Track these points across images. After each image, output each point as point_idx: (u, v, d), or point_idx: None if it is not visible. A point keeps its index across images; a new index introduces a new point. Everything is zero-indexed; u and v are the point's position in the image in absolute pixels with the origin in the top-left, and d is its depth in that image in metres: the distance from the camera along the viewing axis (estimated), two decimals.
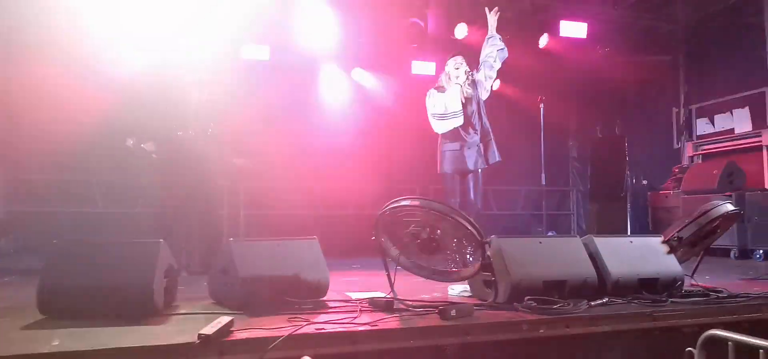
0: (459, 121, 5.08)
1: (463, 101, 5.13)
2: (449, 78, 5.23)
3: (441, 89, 5.24)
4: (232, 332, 2.52)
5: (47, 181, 7.17)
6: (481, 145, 5.16)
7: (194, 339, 2.38)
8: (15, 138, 6.73)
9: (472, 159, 5.10)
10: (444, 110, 5.13)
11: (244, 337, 2.49)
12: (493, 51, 5.19)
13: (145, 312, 2.96)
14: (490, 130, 5.25)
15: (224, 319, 2.54)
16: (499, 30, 5.70)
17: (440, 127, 5.16)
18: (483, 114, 5.26)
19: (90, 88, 6.79)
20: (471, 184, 5.25)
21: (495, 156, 5.23)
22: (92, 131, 6.61)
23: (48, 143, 6.55)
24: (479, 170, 5.18)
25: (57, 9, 6.58)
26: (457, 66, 5.21)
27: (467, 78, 5.18)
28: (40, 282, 2.99)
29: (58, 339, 2.40)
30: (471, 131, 5.13)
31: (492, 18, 5.36)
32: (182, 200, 5.16)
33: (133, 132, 5.16)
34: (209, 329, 2.41)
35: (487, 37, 5.32)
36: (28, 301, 3.04)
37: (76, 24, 6.65)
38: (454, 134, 5.12)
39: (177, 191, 5.20)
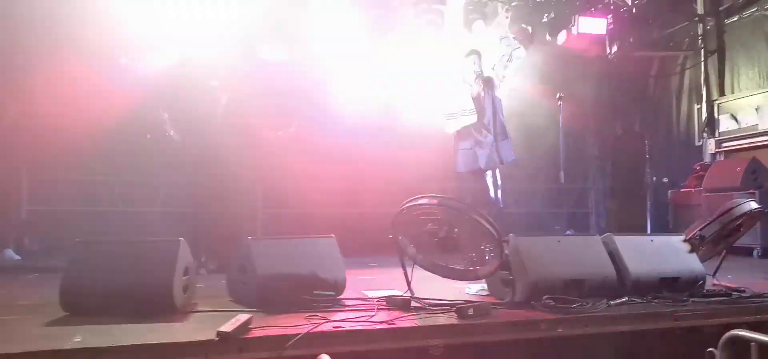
0: (469, 120, 5.08)
1: (473, 100, 5.13)
2: (463, 77, 5.25)
3: (456, 86, 5.26)
4: (250, 329, 2.54)
5: (69, 181, 7.28)
6: (495, 144, 5.14)
7: (213, 336, 2.40)
8: (38, 139, 6.84)
9: (483, 158, 5.09)
10: (453, 108, 5.16)
11: (262, 334, 2.51)
12: (508, 51, 5.18)
13: (165, 309, 3.00)
14: (505, 128, 5.22)
15: (243, 317, 2.57)
16: (517, 26, 5.67)
17: (450, 126, 5.20)
18: (500, 113, 5.24)
19: (112, 89, 6.88)
20: (490, 182, 5.24)
21: (510, 155, 5.21)
22: (113, 132, 6.70)
23: (70, 144, 6.65)
24: (496, 169, 5.16)
25: (79, 8, 6.67)
26: (473, 63, 5.22)
27: (476, 77, 5.18)
28: (63, 280, 3.04)
29: (81, 336, 2.45)
30: (483, 130, 5.12)
31: (504, 17, 5.35)
32: (209, 199, 5.21)
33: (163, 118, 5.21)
34: (228, 326, 2.44)
35: (500, 37, 5.31)
36: (51, 299, 3.10)
37: (99, 23, 6.74)
38: (466, 133, 5.14)
39: (204, 190, 5.26)
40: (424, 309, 3.12)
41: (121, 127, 6.48)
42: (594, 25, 8.26)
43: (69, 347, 2.30)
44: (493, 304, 3.19)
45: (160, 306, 3.00)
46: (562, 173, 7.23)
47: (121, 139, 6.63)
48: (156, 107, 5.11)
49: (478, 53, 5.31)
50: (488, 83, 5.24)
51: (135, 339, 2.41)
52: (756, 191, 6.73)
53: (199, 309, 3.22)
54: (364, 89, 8.32)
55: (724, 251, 4.23)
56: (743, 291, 3.64)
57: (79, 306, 2.99)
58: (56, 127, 6.66)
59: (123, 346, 2.34)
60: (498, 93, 5.25)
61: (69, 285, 3.03)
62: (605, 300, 3.24)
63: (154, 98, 6.60)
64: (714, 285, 3.88)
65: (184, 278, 3.22)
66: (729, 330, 2.57)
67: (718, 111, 8.85)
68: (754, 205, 4.15)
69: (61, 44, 6.82)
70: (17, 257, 6.43)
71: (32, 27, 6.88)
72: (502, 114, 5.26)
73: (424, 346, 2.70)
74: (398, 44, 7.93)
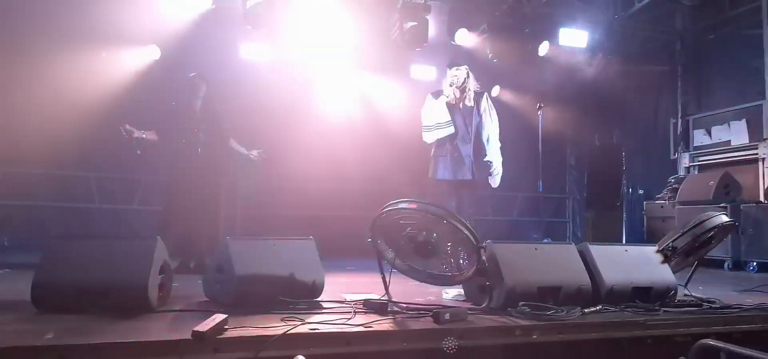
0: (444, 132, 5.15)
1: (451, 112, 5.17)
2: (449, 85, 5.29)
3: (437, 94, 5.30)
4: (226, 330, 2.52)
5: (44, 176, 7.17)
6: (472, 158, 5.20)
7: (188, 335, 2.38)
8: (12, 132, 6.72)
9: (460, 170, 5.14)
10: (429, 121, 5.22)
11: (238, 335, 2.49)
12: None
13: (140, 308, 2.96)
14: (484, 148, 5.27)
15: (219, 317, 2.55)
16: (499, 33, 5.71)
17: (426, 137, 5.27)
18: (482, 131, 5.29)
19: (89, 83, 6.79)
20: (466, 193, 5.29)
21: (483, 176, 5.27)
22: (90, 127, 6.61)
23: (45, 138, 6.55)
24: (470, 181, 5.22)
25: (58, 2, 6.59)
26: (454, 74, 5.25)
27: (460, 84, 5.21)
28: (35, 276, 2.99)
29: (53, 333, 2.40)
30: (459, 142, 5.17)
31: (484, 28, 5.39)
32: (186, 198, 5.14)
33: (133, 121, 5.13)
34: (203, 326, 2.42)
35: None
36: (22, 295, 3.04)
37: (78, 16, 6.65)
38: (442, 143, 5.19)
39: (181, 187, 5.18)
40: (401, 312, 3.14)
41: (99, 121, 6.39)
42: (575, 37, 8.40)
43: (40, 344, 2.26)
44: (470, 309, 3.21)
45: (134, 304, 2.96)
46: (540, 183, 7.32)
47: (100, 134, 6.53)
48: (119, 124, 5.03)
49: (467, 65, 5.35)
50: (476, 97, 5.29)
51: (108, 337, 2.38)
52: (728, 205, 6.89)
53: (175, 308, 3.19)
54: (346, 92, 8.34)
55: (696, 262, 4.32)
56: (714, 302, 3.71)
57: (52, 303, 2.93)
58: (32, 120, 6.56)
59: (96, 344, 2.31)
60: (485, 113, 5.31)
61: (41, 282, 2.98)
62: (579, 308, 3.28)
63: (123, 106, 6.52)
64: (685, 295, 3.96)
65: (159, 276, 3.19)
66: (699, 340, 2.62)
67: (692, 126, 9.05)
68: (725, 218, 4.24)
69: (39, 37, 6.72)
70: None
71: (8, 20, 6.77)
72: (484, 134, 5.30)
73: (400, 350, 2.71)
74: (382, 48, 7.95)
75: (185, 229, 5.05)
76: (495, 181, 5.32)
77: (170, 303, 3.30)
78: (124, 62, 7.29)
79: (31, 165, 7.02)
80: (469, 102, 5.25)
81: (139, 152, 5.13)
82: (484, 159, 5.26)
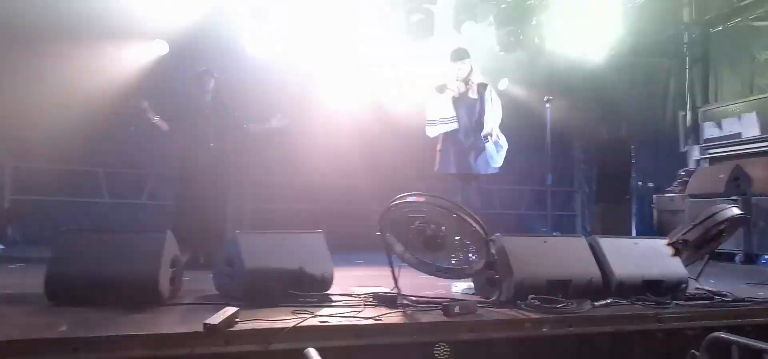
0: (448, 127, 5.18)
1: (455, 106, 5.17)
2: (453, 79, 5.30)
3: (441, 89, 5.31)
4: (237, 322, 2.54)
5: (54, 170, 7.20)
6: (475, 151, 5.19)
7: (200, 328, 2.40)
8: (23, 127, 6.76)
9: (464, 163, 5.14)
10: (433, 115, 5.23)
11: (249, 328, 2.51)
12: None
13: (151, 301, 2.98)
14: (487, 138, 5.25)
15: (229, 310, 2.56)
16: (506, 26, 5.72)
17: (429, 131, 5.29)
18: (483, 119, 5.28)
19: (97, 78, 6.81)
20: (473, 184, 5.29)
21: (487, 166, 5.24)
22: (98, 122, 6.64)
23: (55, 133, 6.58)
24: (475, 174, 5.22)
25: None
26: (459, 68, 5.26)
27: (464, 78, 5.21)
28: (48, 269, 3.02)
29: (66, 325, 2.43)
30: (461, 135, 5.17)
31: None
32: (198, 192, 5.16)
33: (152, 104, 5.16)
34: (215, 319, 2.44)
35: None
36: (35, 288, 3.07)
37: (82, 12, 6.66)
38: (446, 137, 5.20)
39: (193, 182, 5.20)
40: (411, 305, 3.14)
41: (108, 116, 6.41)
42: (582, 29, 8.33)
43: (55, 336, 2.29)
44: (479, 303, 3.21)
45: (146, 297, 2.98)
46: (549, 176, 7.28)
47: (108, 128, 6.56)
48: (135, 96, 5.06)
49: (469, 58, 5.34)
50: (480, 89, 5.28)
51: (121, 330, 2.40)
52: (739, 198, 6.83)
53: (186, 301, 3.21)
54: (353, 86, 8.32)
55: (707, 255, 4.29)
56: (725, 296, 3.70)
57: (64, 296, 2.96)
58: (42, 115, 6.59)
59: (108, 336, 2.33)
60: (487, 107, 5.29)
61: (54, 275, 3.00)
62: (589, 301, 3.28)
63: (139, 86, 6.54)
64: (697, 288, 3.94)
65: (170, 270, 3.21)
66: (710, 333, 2.61)
67: (702, 118, 8.98)
68: (736, 211, 4.22)
69: (46, 32, 6.74)
70: (1, 246, 6.35)
71: (15, 15, 6.79)
72: (489, 124, 5.27)
73: (410, 342, 2.72)
74: (388, 42, 7.92)
75: (197, 223, 5.07)
76: (498, 159, 5.29)
77: (181, 297, 3.32)
78: (131, 57, 7.30)
79: (40, 160, 7.05)
80: (473, 95, 5.25)
81: (132, 127, 5.14)
82: (482, 134, 5.23)
